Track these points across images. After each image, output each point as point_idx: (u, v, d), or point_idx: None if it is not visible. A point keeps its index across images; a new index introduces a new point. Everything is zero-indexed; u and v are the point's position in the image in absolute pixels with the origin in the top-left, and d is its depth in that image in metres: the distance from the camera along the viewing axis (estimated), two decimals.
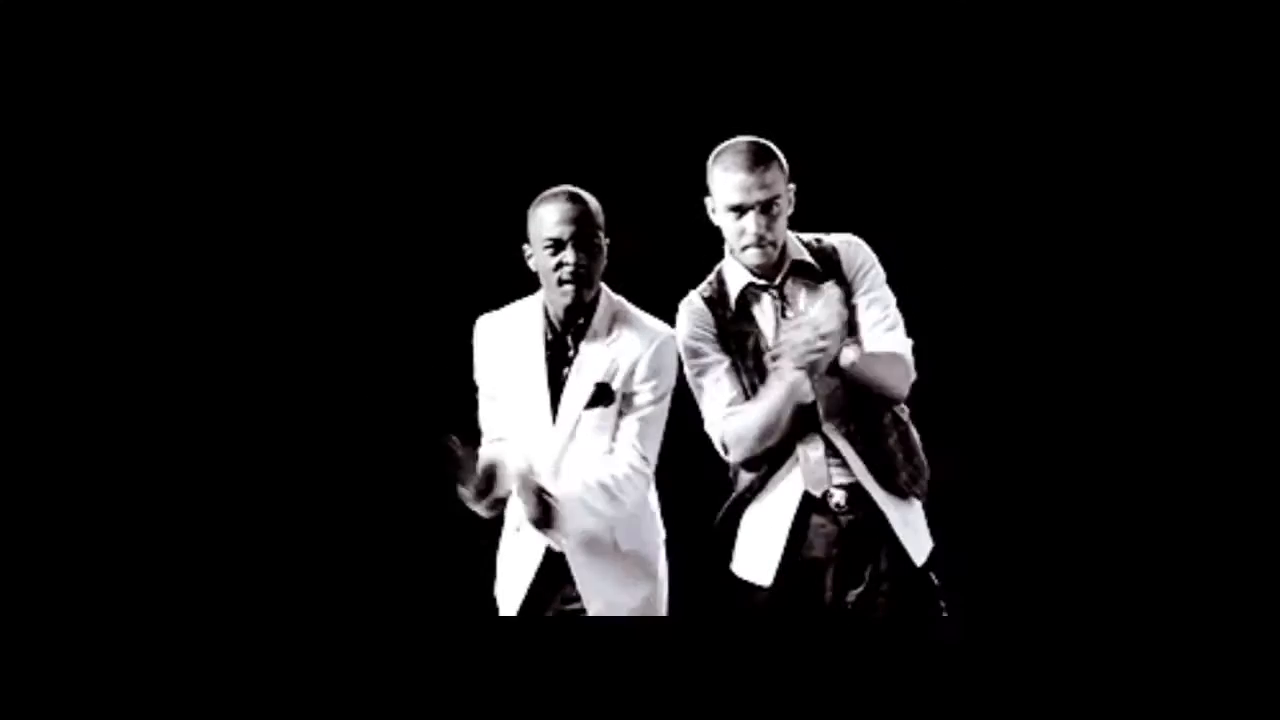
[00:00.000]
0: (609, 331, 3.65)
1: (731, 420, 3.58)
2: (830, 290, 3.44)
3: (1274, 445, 4.88)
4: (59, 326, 5.06)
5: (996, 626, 3.43)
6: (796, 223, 3.62)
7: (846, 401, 3.53)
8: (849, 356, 3.45)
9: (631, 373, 3.63)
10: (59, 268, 5.08)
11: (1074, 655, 3.22)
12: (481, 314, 3.81)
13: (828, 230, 3.68)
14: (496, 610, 3.82)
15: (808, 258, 3.60)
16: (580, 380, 3.63)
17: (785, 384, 3.48)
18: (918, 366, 3.61)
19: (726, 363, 3.61)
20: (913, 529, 3.58)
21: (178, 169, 5.11)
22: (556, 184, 3.69)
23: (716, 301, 3.63)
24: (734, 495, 3.66)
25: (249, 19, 5.05)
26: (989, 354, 4.98)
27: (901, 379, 3.57)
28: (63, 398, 5.06)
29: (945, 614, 3.58)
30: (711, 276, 3.67)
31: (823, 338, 3.36)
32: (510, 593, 3.76)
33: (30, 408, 5.04)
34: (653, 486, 3.75)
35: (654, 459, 3.69)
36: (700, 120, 4.65)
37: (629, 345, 3.63)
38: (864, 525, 3.54)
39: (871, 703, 3.16)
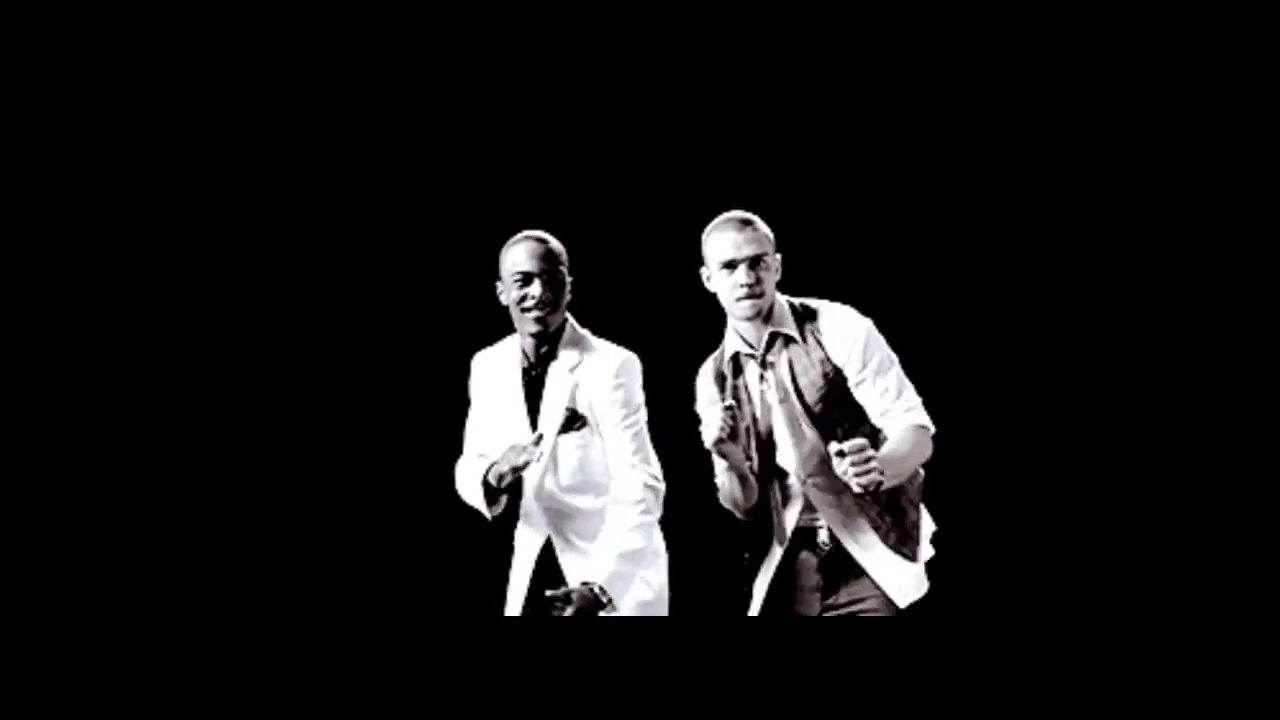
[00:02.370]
0: (571, 356, 3.96)
1: (719, 490, 3.85)
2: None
3: (1274, 446, 4.99)
4: (59, 332, 5.17)
5: (995, 627, 3.49)
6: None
7: (826, 467, 3.63)
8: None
9: (597, 396, 3.92)
10: (58, 271, 5.18)
11: (1073, 656, 3.32)
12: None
13: (821, 293, 3.83)
14: (499, 610, 4.02)
15: (790, 329, 3.75)
16: (550, 404, 3.96)
17: (723, 468, 3.73)
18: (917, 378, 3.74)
19: None
20: (898, 577, 3.70)
21: (176, 186, 5.24)
22: (535, 225, 4.00)
23: (720, 374, 3.84)
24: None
25: (253, 40, 5.16)
26: (986, 359, 5.14)
27: (923, 454, 3.66)
28: (66, 407, 5.18)
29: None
30: (720, 348, 3.87)
31: (868, 459, 3.41)
32: (512, 593, 4.01)
33: (32, 410, 5.14)
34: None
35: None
36: (684, 177, 4.99)
37: (589, 369, 3.94)
38: (847, 559, 3.73)
39: (871, 704, 3.26)
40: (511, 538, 4.08)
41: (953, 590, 3.86)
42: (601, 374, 3.95)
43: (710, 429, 3.64)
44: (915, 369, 3.79)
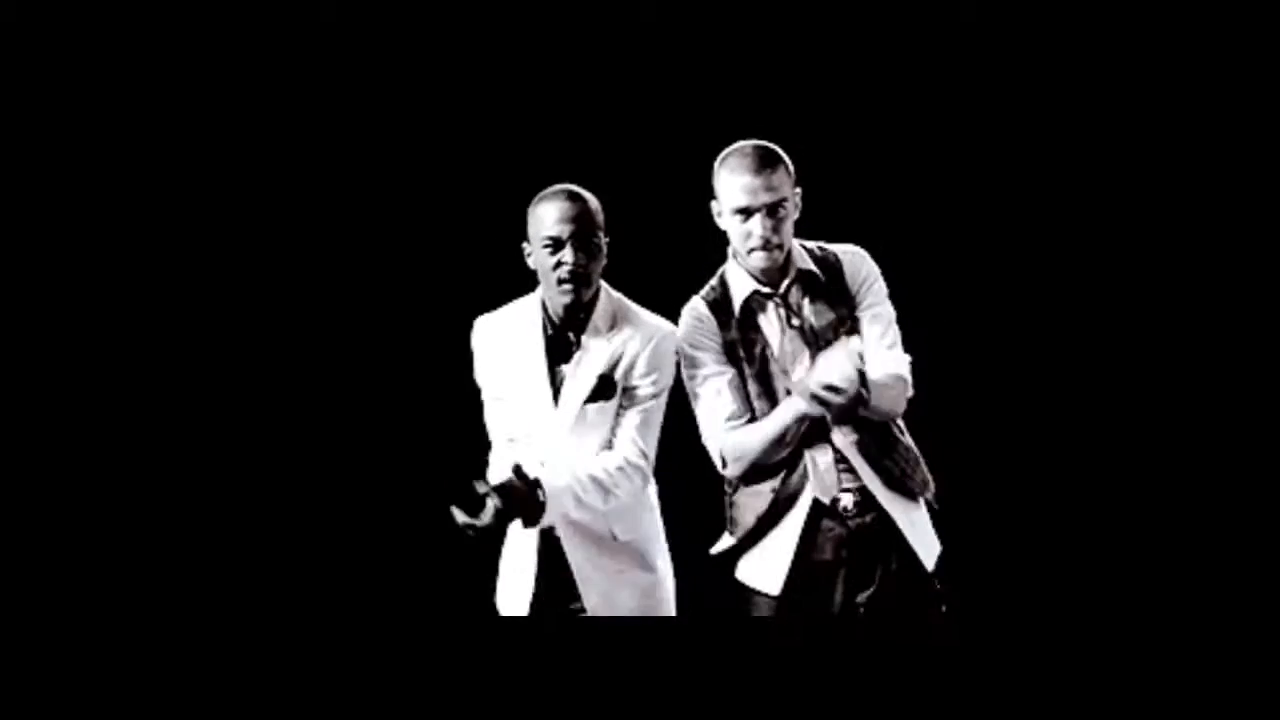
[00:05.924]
0: (610, 327, 3.67)
1: (734, 435, 3.61)
2: (852, 343, 3.44)
3: (1274, 446, 4.91)
4: (58, 328, 5.05)
5: (996, 628, 3.44)
6: (802, 228, 3.64)
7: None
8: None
9: (632, 366, 3.65)
10: (59, 268, 5.06)
11: (1073, 657, 3.24)
12: (481, 313, 3.81)
13: (832, 238, 3.71)
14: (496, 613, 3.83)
15: (813, 266, 3.61)
16: (582, 373, 3.66)
17: (797, 408, 3.52)
18: (917, 371, 3.63)
19: (728, 375, 3.62)
20: (921, 533, 3.62)
21: (177, 172, 5.10)
22: (559, 181, 3.70)
23: (720, 307, 3.63)
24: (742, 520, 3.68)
25: (249, 20, 5.05)
26: (987, 357, 5.02)
27: (899, 399, 3.60)
28: (63, 402, 5.05)
29: (944, 609, 3.61)
30: (714, 281, 3.69)
31: (834, 389, 3.36)
32: (515, 596, 3.76)
33: (29, 408, 5.02)
34: (652, 482, 3.76)
35: (653, 453, 3.70)
36: (704, 120, 4.70)
37: (630, 340, 3.65)
38: (872, 528, 3.57)
39: (873, 704, 3.16)
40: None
41: (959, 592, 3.73)
42: (640, 349, 3.66)
43: None
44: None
